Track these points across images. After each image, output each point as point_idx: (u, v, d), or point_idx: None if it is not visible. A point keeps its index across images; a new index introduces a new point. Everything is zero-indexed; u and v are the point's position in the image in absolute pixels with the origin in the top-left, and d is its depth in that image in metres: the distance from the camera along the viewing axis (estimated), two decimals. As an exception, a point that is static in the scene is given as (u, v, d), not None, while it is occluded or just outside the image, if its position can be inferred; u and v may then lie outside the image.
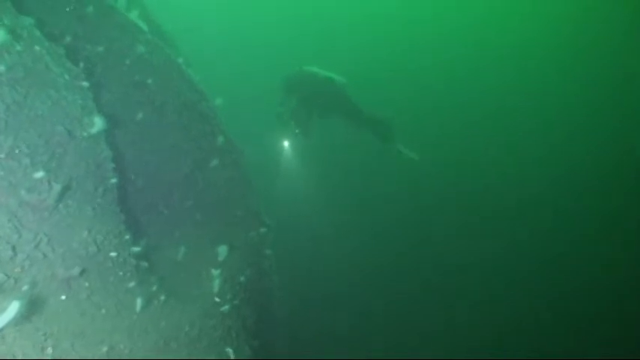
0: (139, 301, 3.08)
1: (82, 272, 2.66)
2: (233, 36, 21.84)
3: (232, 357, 3.73)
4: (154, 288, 3.39)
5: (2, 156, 2.56)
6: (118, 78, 4.55)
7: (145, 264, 3.67)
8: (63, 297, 2.62)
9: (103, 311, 2.85)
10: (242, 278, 4.56)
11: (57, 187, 2.67)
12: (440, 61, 23.12)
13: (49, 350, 2.44)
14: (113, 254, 3.01)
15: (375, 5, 25.60)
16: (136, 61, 4.71)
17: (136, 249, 3.40)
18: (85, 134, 3.26)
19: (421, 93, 20.61)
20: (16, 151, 2.63)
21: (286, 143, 9.17)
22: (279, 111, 8.60)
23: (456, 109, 20.70)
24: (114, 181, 3.47)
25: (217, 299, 3.95)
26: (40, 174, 2.61)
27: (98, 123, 3.39)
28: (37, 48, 3.11)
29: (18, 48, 2.90)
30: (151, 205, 4.50)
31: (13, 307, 2.15)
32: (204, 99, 5.10)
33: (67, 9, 4.30)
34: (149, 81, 4.71)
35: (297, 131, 8.60)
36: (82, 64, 3.52)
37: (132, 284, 3.09)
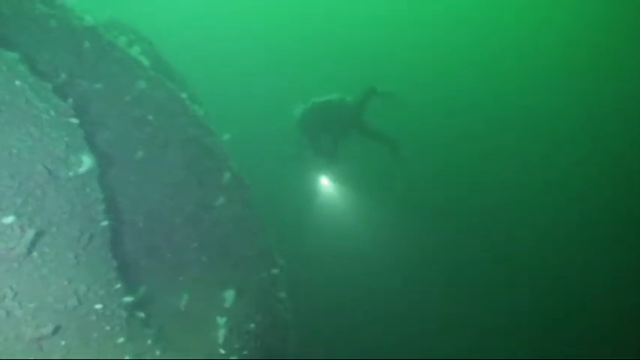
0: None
1: (57, 330, 2.32)
2: (246, 68, 21.92)
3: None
4: (149, 342, 3.03)
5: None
6: (117, 115, 4.33)
7: (141, 315, 3.33)
8: None
9: (86, 373, 2.51)
10: (252, 325, 4.18)
11: (30, 234, 2.38)
12: (440, 65, 22.92)
13: None
14: (98, 306, 2.69)
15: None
16: (137, 97, 4.50)
17: (128, 299, 3.07)
18: (70, 174, 2.99)
19: (420, 94, 20.32)
20: (-15, 195, 2.36)
21: (323, 179, 9.13)
22: (300, 151, 8.54)
23: (455, 112, 20.39)
24: (105, 224, 3.17)
25: (223, 351, 3.58)
26: (9, 219, 2.32)
27: (87, 162, 3.12)
28: (17, 83, 2.88)
29: (-6, 82, 2.67)
30: (152, 248, 4.19)
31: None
32: (210, 134, 4.84)
33: (63, 45, 4.13)
34: (150, 117, 4.49)
35: (326, 160, 8.57)
36: (70, 100, 3.27)
37: (121, 340, 2.75)
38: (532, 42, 23.27)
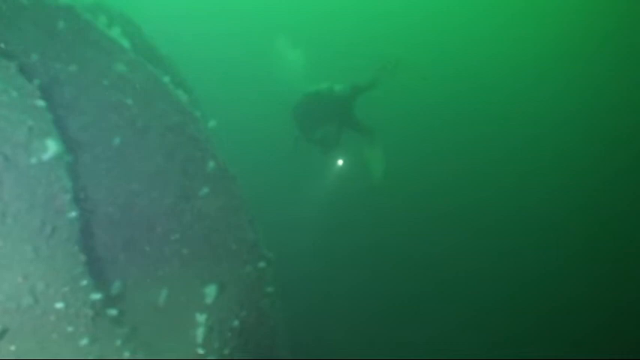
0: (91, 363, 2.51)
1: (5, 332, 2.10)
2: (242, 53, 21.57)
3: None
4: (118, 343, 2.81)
5: None
6: (93, 99, 4.08)
7: (112, 312, 3.11)
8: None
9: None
10: (235, 322, 3.96)
11: (-23, 226, 2.14)
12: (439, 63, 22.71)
13: None
14: (59, 305, 2.46)
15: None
16: (115, 80, 4.25)
17: (97, 296, 2.84)
18: (33, 160, 2.75)
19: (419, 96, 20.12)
20: None
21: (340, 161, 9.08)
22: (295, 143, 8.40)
23: (453, 112, 20.23)
24: (73, 215, 2.94)
25: (201, 351, 3.36)
26: (-48, 209, 2.09)
27: (52, 148, 2.89)
28: (-28, 61, 2.64)
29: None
30: (130, 241, 3.96)
31: None
32: (193, 121, 4.59)
33: (35, 24, 3.87)
34: (129, 101, 4.24)
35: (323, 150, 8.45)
36: (37, 81, 3.03)
37: (84, 341, 2.53)
38: (533, 46, 22.98)
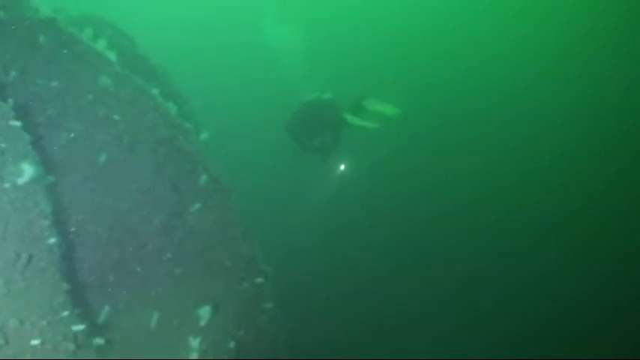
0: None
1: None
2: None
3: None
4: (102, 376, 2.65)
5: None
6: (77, 115, 3.92)
7: (99, 342, 2.95)
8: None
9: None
10: (231, 344, 3.79)
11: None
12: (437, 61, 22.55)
13: None
14: (35, 342, 2.29)
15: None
16: (100, 94, 4.09)
17: (79, 327, 2.68)
18: (6, 185, 2.59)
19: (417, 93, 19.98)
20: None
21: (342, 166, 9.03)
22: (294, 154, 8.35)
23: (452, 109, 20.07)
24: (52, 241, 2.78)
25: (195, 377, 3.19)
26: None
27: (28, 171, 2.73)
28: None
29: None
30: (120, 262, 3.80)
31: None
32: (184, 133, 4.42)
33: (14, 40, 3.72)
34: (115, 117, 4.08)
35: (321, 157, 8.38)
36: (11, 101, 2.87)
37: (64, 379, 2.36)
38: (532, 43, 22.76)
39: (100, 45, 4.49)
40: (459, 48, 22.87)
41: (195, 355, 3.27)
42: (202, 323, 3.60)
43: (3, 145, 2.66)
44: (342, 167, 9.09)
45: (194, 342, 3.39)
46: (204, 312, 3.65)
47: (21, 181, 2.66)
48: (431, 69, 21.97)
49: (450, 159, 17.64)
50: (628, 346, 9.60)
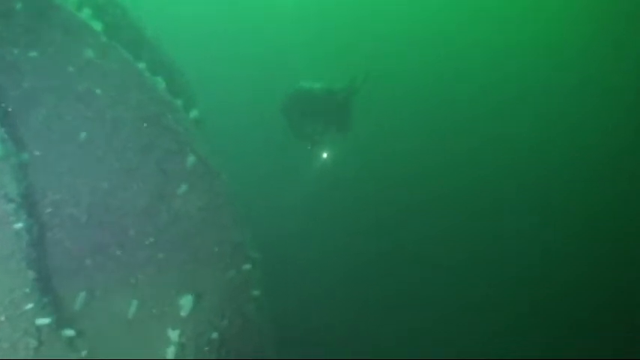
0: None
1: None
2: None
3: None
4: (68, 373, 2.47)
5: None
6: (56, 89, 3.68)
7: (69, 333, 2.78)
8: None
9: None
10: (214, 335, 3.62)
11: None
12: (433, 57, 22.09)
13: None
14: (-10, 340, 2.11)
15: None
16: (82, 67, 3.84)
17: (44, 321, 2.50)
18: (-34, 167, 2.38)
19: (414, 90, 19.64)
20: None
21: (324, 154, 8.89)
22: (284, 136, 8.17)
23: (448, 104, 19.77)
24: (19, 226, 2.59)
25: (171, 372, 3.02)
26: None
27: (-8, 150, 2.51)
28: None
29: None
30: (99, 246, 3.60)
31: None
32: (172, 111, 4.19)
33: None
34: (98, 91, 3.84)
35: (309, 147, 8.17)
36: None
37: (22, 378, 2.18)
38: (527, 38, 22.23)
39: (85, 14, 4.23)
40: (464, 47, 22.30)
41: (172, 349, 3.09)
42: (183, 314, 3.43)
43: (-36, 122, 2.44)
44: (332, 154, 9.02)
45: (173, 334, 3.22)
46: (186, 301, 3.48)
47: (-17, 161, 2.45)
48: (430, 46, 21.52)
49: (445, 142, 17.42)
50: (628, 346, 9.51)
